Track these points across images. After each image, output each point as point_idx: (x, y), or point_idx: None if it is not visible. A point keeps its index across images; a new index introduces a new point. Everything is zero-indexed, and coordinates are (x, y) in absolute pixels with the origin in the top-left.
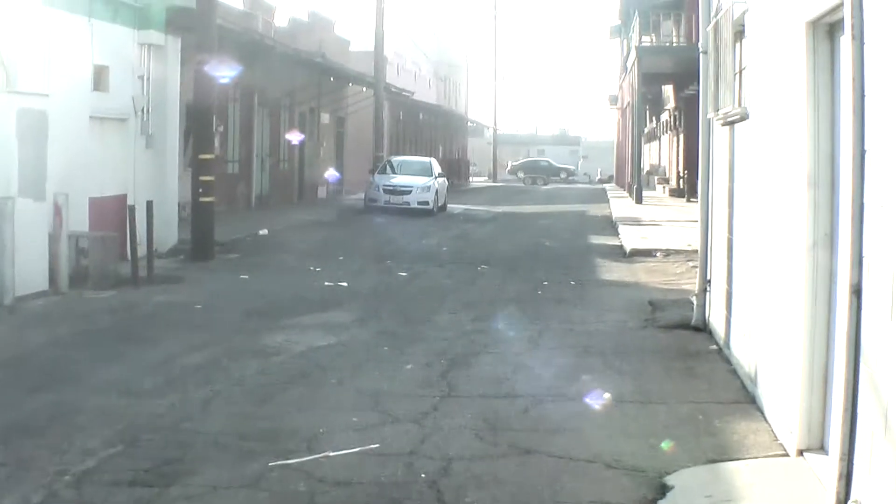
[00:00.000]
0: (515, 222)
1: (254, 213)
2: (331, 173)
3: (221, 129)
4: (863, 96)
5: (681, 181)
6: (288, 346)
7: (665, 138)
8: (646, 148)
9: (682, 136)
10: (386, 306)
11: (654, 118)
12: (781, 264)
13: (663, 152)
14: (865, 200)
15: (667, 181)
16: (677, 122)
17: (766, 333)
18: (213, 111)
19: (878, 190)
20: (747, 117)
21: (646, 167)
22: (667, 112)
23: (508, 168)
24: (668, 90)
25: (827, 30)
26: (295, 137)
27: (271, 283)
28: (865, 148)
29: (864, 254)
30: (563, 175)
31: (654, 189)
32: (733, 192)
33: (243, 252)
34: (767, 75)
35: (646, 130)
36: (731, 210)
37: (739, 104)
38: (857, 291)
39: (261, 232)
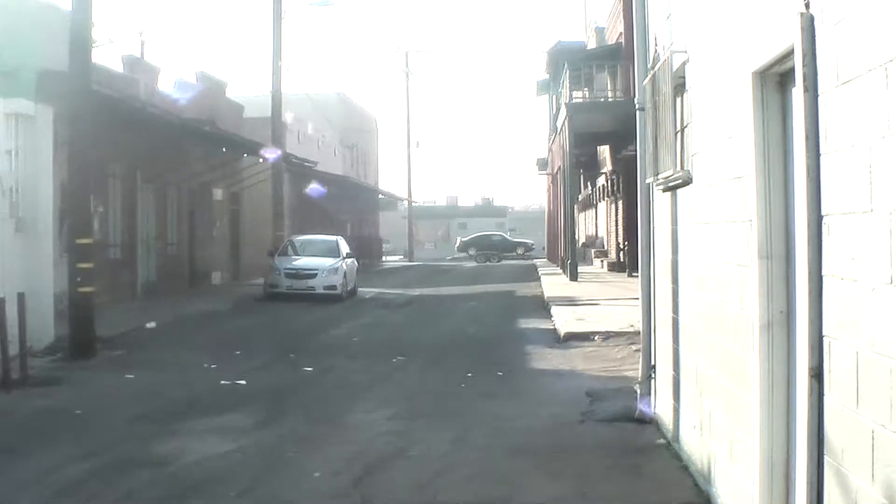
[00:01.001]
0: (435, 307)
1: (140, 303)
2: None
3: (101, 209)
4: (818, 155)
5: (621, 254)
6: (181, 455)
7: (602, 206)
8: (581, 217)
9: (621, 203)
10: (290, 406)
11: (588, 183)
12: (733, 347)
13: (600, 222)
14: (824, 273)
15: (605, 254)
16: (615, 188)
17: (720, 425)
18: (91, 189)
19: (838, 261)
20: (690, 181)
21: (581, 239)
22: (603, 176)
23: (458, 245)
24: (604, 151)
25: (777, 81)
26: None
27: (161, 382)
28: (823, 213)
29: (823, 333)
30: (519, 250)
31: (592, 263)
32: (677, 265)
33: (129, 348)
34: (712, 134)
35: (580, 197)
36: (676, 286)
37: (682, 167)
38: (817, 375)
39: (148, 325)
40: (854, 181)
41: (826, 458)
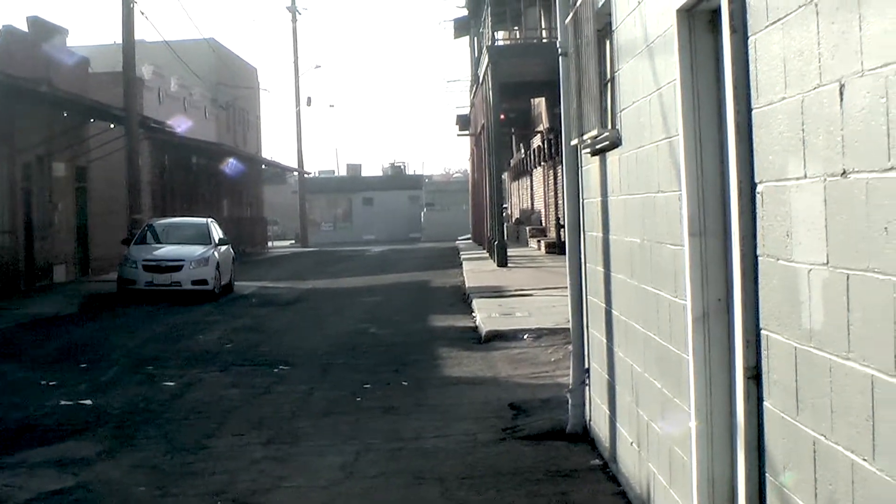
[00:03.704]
0: (330, 303)
1: None
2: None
3: None
4: (749, 110)
5: (561, 232)
6: (7, 495)
7: (538, 173)
8: (513, 188)
9: (560, 170)
10: (145, 430)
11: (521, 145)
12: (668, 344)
13: (537, 193)
14: (759, 252)
15: (543, 233)
16: (553, 150)
17: (657, 439)
18: None
19: (774, 238)
20: (619, 143)
21: (514, 214)
22: (539, 136)
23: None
24: (539, 105)
25: (708, 20)
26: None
27: None
28: (756, 181)
29: (760, 325)
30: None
31: (527, 244)
32: (609, 246)
33: None
34: (640, 85)
35: (512, 163)
36: (608, 272)
37: (611, 125)
38: (754, 377)
39: None
40: (786, 142)
41: (767, 476)
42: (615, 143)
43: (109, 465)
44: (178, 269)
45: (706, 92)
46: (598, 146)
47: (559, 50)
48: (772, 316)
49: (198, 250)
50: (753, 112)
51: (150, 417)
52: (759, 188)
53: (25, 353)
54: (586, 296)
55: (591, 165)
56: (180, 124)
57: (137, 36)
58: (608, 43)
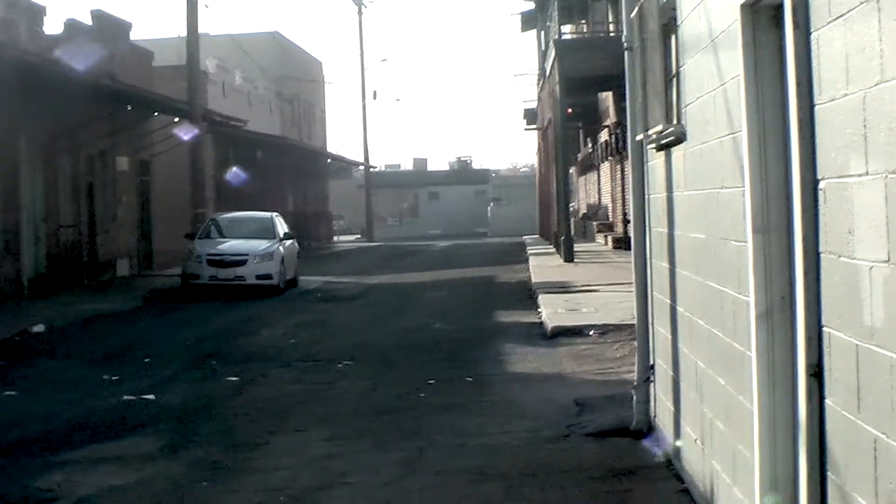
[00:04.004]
0: (395, 298)
1: (26, 302)
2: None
3: None
4: (811, 106)
5: (628, 227)
6: (68, 490)
7: (605, 167)
8: (580, 182)
9: (627, 164)
10: (206, 426)
11: (588, 140)
12: (732, 340)
13: (604, 187)
14: (821, 249)
15: (609, 228)
16: (620, 145)
17: (721, 437)
18: None
19: (836, 235)
20: (684, 138)
21: (582, 209)
22: (606, 130)
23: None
24: (606, 100)
25: (772, 15)
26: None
27: (49, 400)
28: (818, 177)
29: (822, 322)
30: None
31: (594, 239)
32: (673, 242)
33: (10, 359)
34: (705, 80)
35: (579, 157)
36: (673, 268)
37: (676, 120)
38: (816, 374)
39: (35, 329)
40: (848, 138)
41: (829, 475)
42: (680, 139)
43: (171, 460)
44: (243, 263)
45: (770, 88)
46: (663, 141)
47: (624, 44)
48: (833, 313)
49: (262, 245)
50: (816, 108)
51: (211, 413)
52: (821, 185)
53: (88, 348)
54: (651, 292)
55: (656, 161)
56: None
57: (201, 29)
58: (673, 38)
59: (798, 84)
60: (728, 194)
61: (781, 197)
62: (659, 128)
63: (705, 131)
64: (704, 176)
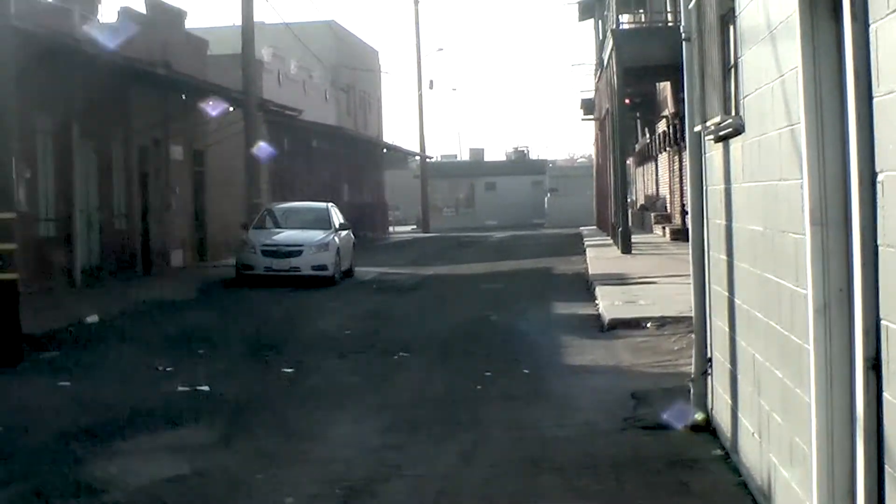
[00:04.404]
0: (451, 289)
1: (79, 292)
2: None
3: (28, 174)
4: (870, 99)
5: (686, 219)
6: (123, 480)
7: (663, 158)
8: (637, 173)
9: (685, 155)
10: (261, 417)
11: (646, 130)
12: (790, 333)
13: (662, 178)
14: (879, 242)
15: (668, 219)
16: (678, 135)
17: (779, 430)
18: (14, 149)
19: (895, 227)
20: (742, 130)
21: (639, 200)
22: (664, 121)
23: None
24: (664, 90)
25: (831, 6)
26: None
27: (103, 390)
28: (876, 170)
29: (880, 315)
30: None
31: (651, 230)
32: (731, 234)
33: (65, 349)
34: (764, 71)
35: (636, 148)
36: (731, 260)
37: (734, 112)
38: (874, 367)
39: (89, 319)
40: None
41: (887, 468)
42: (738, 130)
43: (225, 452)
44: (298, 254)
45: (828, 80)
46: (721, 133)
47: (682, 35)
48: (891, 306)
49: (318, 235)
50: (874, 101)
51: (266, 404)
52: (879, 177)
53: (142, 339)
54: (709, 284)
55: (714, 152)
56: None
57: (257, 18)
58: (731, 28)
59: (856, 76)
60: (786, 186)
61: (839, 189)
62: (717, 119)
63: (763, 123)
64: (763, 168)
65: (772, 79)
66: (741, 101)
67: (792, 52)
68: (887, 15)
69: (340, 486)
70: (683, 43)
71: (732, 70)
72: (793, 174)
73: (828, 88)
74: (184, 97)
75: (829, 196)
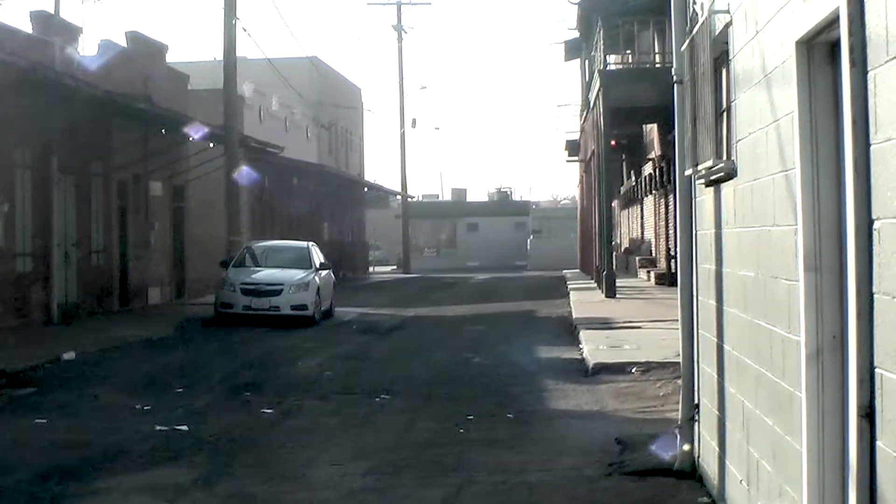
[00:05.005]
0: (433, 331)
1: (55, 328)
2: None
3: (5, 207)
4: (867, 145)
5: (672, 263)
6: None
7: (649, 201)
8: (623, 216)
9: (672, 198)
10: (241, 458)
11: (632, 172)
12: (781, 380)
13: (647, 221)
14: (874, 290)
15: (653, 263)
16: (664, 178)
17: (768, 478)
18: None
19: (891, 275)
20: (735, 174)
21: (624, 243)
22: (650, 163)
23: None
24: (651, 132)
25: (827, 52)
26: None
27: (81, 429)
28: (872, 217)
29: (875, 363)
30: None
31: (636, 275)
32: (721, 279)
33: (41, 386)
34: (758, 116)
35: (622, 190)
36: (720, 305)
37: (726, 156)
38: (867, 416)
39: (65, 356)
40: None
41: None
42: (730, 175)
43: (205, 493)
44: (278, 293)
45: (824, 125)
46: (712, 177)
47: (674, 77)
48: (886, 354)
49: (298, 274)
50: (871, 147)
51: (246, 445)
52: (875, 225)
53: (119, 376)
54: (697, 329)
55: (704, 196)
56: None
57: (239, 53)
58: (724, 71)
59: (854, 122)
60: (779, 232)
61: (834, 236)
62: (709, 163)
63: (757, 168)
64: (755, 213)
65: (766, 123)
66: (734, 146)
67: (788, 96)
68: (887, 62)
69: None
70: (675, 86)
71: (725, 114)
72: (786, 220)
73: (824, 134)
74: (164, 132)
75: (824, 242)
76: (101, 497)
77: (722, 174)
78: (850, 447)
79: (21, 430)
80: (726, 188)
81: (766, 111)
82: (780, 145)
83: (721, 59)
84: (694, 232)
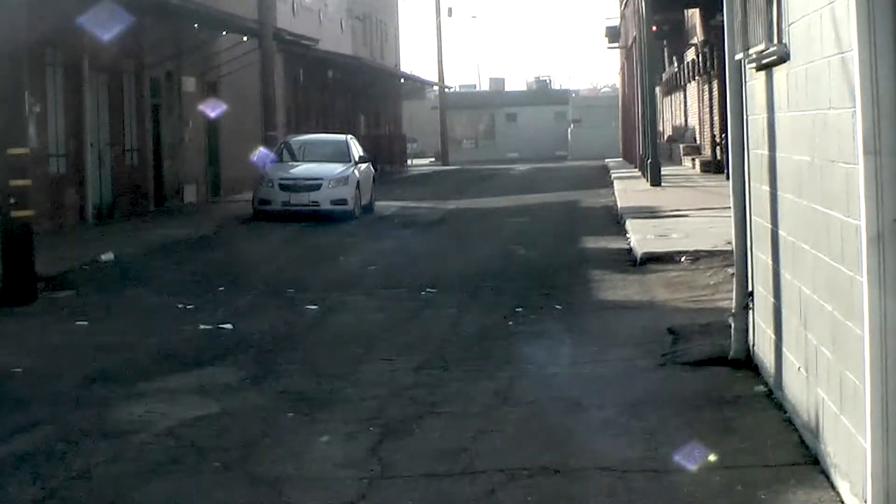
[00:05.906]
0: (475, 224)
1: (92, 230)
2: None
3: (38, 108)
4: None
5: (717, 150)
6: (150, 421)
7: (692, 88)
8: (665, 103)
9: (716, 84)
10: (288, 356)
11: (674, 58)
12: (840, 265)
13: (690, 109)
14: None
15: (697, 150)
16: (708, 64)
17: (827, 365)
18: (24, 83)
19: None
20: (787, 58)
21: (666, 131)
22: (693, 49)
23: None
24: (693, 17)
25: None
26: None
27: (123, 330)
28: None
29: None
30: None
31: (680, 163)
32: (775, 165)
33: (80, 288)
34: None
35: (664, 77)
36: (774, 191)
37: (778, 39)
38: None
39: (104, 257)
40: None
41: None
42: (783, 58)
43: (253, 391)
44: (317, 188)
45: (881, 6)
46: (764, 61)
47: None
48: None
49: (337, 168)
50: None
51: (292, 343)
52: None
53: (160, 277)
54: (750, 216)
55: (755, 81)
56: (315, 38)
57: None
58: None
59: None
60: (836, 115)
61: (893, 118)
62: (760, 47)
63: (811, 50)
64: (810, 96)
65: (820, 6)
66: (786, 29)
67: None
68: None
69: (375, 424)
70: None
71: None
72: (843, 103)
73: (881, 14)
74: (196, 27)
75: (884, 124)
76: (149, 397)
77: (774, 58)
78: None
79: (63, 333)
80: (778, 72)
81: None
82: (835, 27)
83: None
84: (745, 117)
